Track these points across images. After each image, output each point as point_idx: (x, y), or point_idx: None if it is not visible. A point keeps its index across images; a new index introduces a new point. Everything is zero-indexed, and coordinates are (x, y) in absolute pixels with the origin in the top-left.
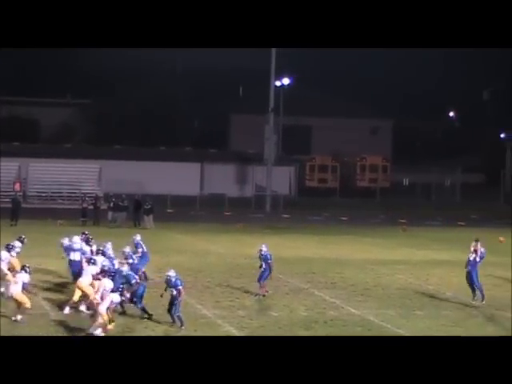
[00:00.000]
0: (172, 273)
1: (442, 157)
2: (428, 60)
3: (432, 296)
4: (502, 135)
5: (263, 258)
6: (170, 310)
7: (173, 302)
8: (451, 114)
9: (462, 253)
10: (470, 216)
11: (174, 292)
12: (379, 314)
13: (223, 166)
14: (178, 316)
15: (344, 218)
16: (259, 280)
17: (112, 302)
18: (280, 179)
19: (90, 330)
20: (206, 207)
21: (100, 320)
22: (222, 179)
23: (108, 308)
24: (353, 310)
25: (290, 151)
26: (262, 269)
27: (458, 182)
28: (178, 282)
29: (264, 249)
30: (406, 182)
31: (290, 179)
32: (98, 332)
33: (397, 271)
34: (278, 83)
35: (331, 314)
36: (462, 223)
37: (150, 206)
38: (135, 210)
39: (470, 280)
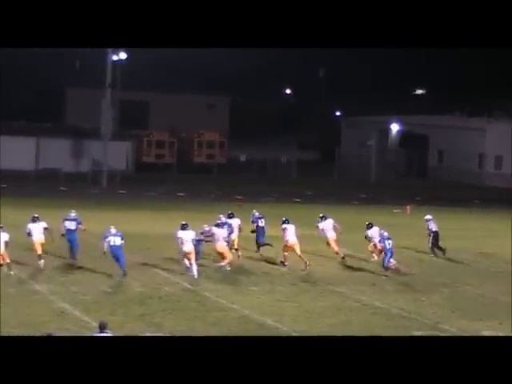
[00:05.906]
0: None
1: (278, 133)
2: None
3: (266, 272)
4: (338, 113)
5: None
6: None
7: None
8: (287, 91)
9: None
10: (306, 193)
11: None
12: (214, 290)
13: (59, 141)
14: None
15: (181, 194)
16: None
17: None
18: (117, 154)
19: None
20: (42, 182)
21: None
22: (58, 154)
23: None
24: (188, 286)
25: (127, 126)
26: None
27: (294, 158)
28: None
29: None
30: (242, 158)
31: (126, 154)
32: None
33: None
34: (115, 57)
35: (166, 290)
36: (298, 199)
37: None
38: None
39: None
